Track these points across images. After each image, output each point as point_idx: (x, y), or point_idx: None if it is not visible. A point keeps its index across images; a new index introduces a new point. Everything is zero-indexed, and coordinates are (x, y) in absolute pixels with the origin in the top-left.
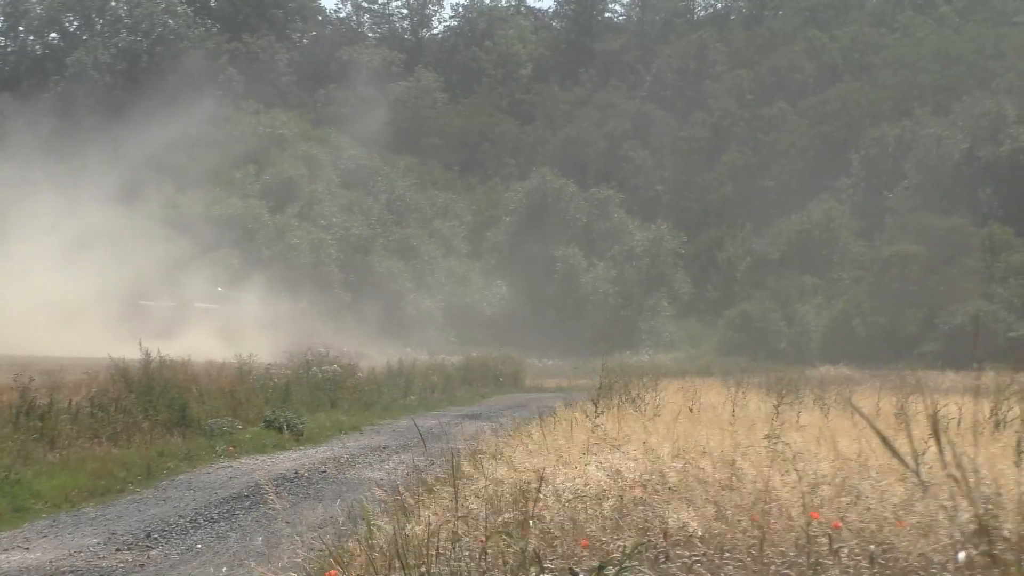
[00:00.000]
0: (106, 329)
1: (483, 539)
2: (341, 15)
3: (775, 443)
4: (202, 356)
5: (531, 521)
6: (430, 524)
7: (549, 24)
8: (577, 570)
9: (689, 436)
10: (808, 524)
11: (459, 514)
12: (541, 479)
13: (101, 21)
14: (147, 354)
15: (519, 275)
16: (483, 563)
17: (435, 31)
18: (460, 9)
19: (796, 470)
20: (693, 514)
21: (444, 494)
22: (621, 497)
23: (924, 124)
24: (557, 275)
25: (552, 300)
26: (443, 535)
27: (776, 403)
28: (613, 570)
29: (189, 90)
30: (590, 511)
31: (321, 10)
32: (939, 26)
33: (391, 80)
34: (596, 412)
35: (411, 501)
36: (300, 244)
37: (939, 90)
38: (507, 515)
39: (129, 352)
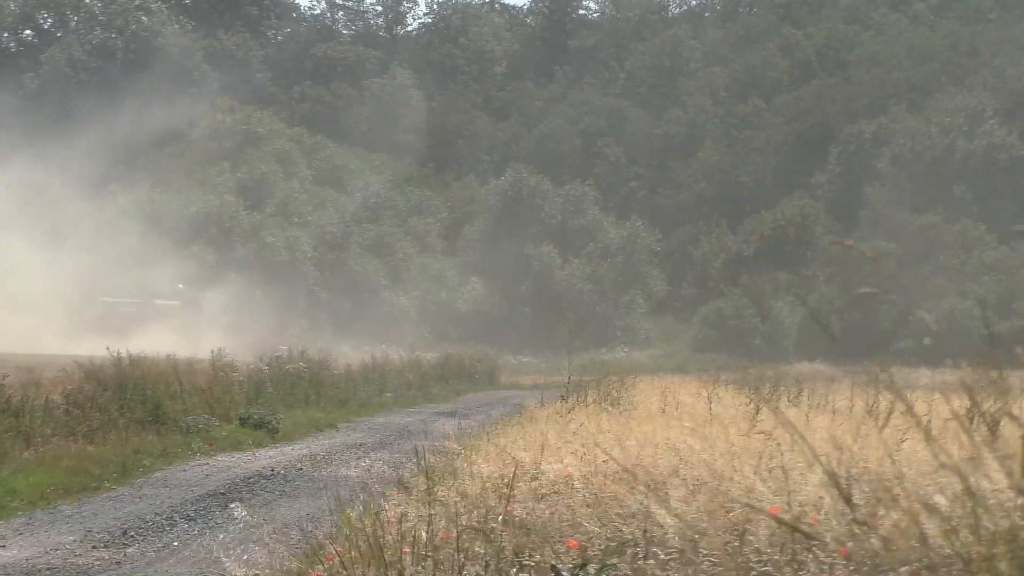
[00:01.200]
0: (68, 325)
1: (455, 535)
2: (316, 12)
3: (756, 438)
4: (163, 354)
5: (503, 518)
6: (404, 522)
7: (524, 21)
8: (559, 567)
9: (664, 433)
10: (781, 520)
11: (433, 511)
12: (514, 476)
13: (76, 18)
14: (117, 352)
15: (494, 272)
16: (459, 559)
17: (410, 28)
18: (435, 6)
19: (778, 467)
20: (670, 511)
21: (419, 491)
22: (596, 495)
23: (899, 121)
24: (532, 272)
25: (527, 297)
26: (418, 533)
27: (752, 400)
28: (594, 568)
29: (164, 87)
30: (566, 508)
31: (296, 7)
32: (913, 23)
33: (366, 77)
34: (568, 410)
35: (386, 499)
36: (276, 242)
37: (914, 87)
38: (481, 511)
39: (90, 349)
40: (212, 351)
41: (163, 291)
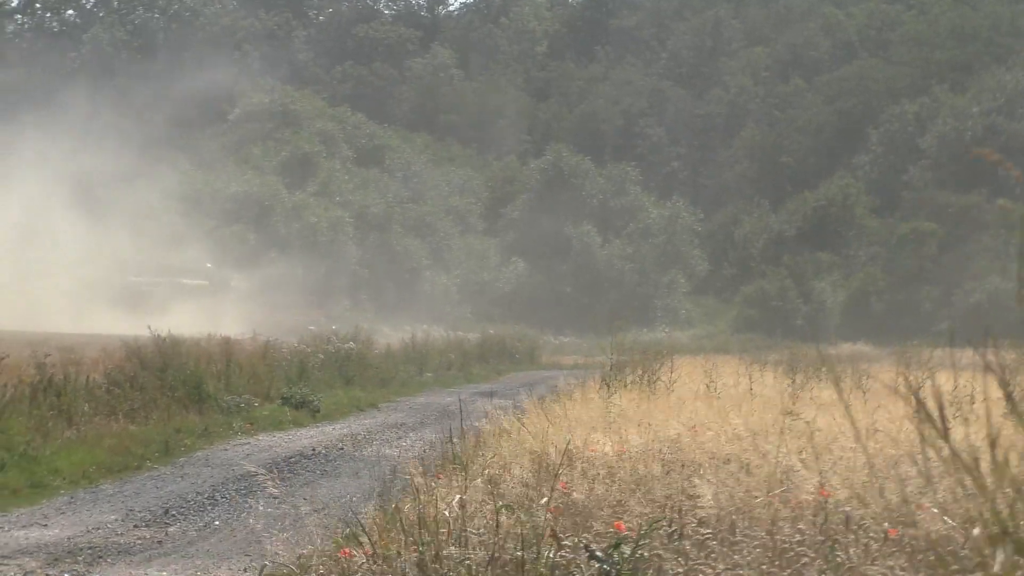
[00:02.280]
0: (93, 305)
1: (492, 514)
2: None
3: (794, 420)
4: (189, 333)
5: (545, 500)
6: (442, 501)
7: (565, 1)
8: (593, 547)
9: (705, 413)
10: (825, 502)
11: (471, 490)
12: (564, 454)
13: None
14: (158, 331)
15: (535, 252)
16: (497, 538)
17: (451, 8)
18: None
19: (812, 447)
20: (708, 491)
21: (459, 471)
22: (636, 475)
23: (941, 101)
24: (573, 252)
25: (568, 277)
26: (455, 511)
27: (793, 381)
28: (628, 547)
29: (205, 67)
30: (604, 488)
31: None
32: (956, 2)
33: (407, 57)
34: (609, 391)
35: (424, 478)
36: (318, 222)
37: (956, 67)
38: (520, 490)
39: (114, 327)
40: (243, 332)
41: (191, 270)
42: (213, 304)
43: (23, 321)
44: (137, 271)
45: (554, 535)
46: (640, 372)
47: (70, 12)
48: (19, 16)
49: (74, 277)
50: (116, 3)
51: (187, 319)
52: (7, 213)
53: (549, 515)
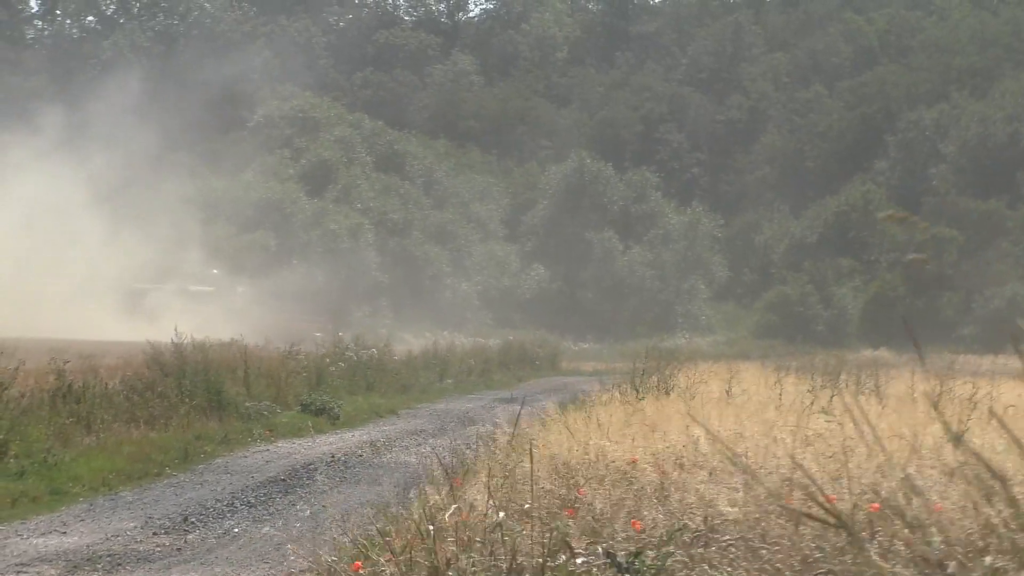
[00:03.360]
0: (99, 310)
1: (527, 523)
2: None
3: (829, 421)
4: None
5: (564, 504)
6: (459, 509)
7: (585, 7)
8: (615, 553)
9: (727, 420)
10: (854, 507)
11: (489, 497)
12: (585, 461)
13: (138, 5)
14: (179, 338)
15: (556, 258)
16: (511, 544)
17: (471, 14)
18: None
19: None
20: (730, 497)
21: (478, 478)
22: (661, 480)
23: (961, 107)
24: (594, 258)
25: (589, 283)
26: (471, 519)
27: (815, 388)
28: (652, 553)
29: (226, 73)
30: (629, 493)
31: None
32: (976, 8)
33: (427, 64)
34: (637, 396)
35: (443, 485)
36: (339, 230)
37: (976, 73)
38: (540, 496)
39: (119, 334)
40: (241, 336)
41: (198, 276)
42: (219, 310)
43: (28, 324)
44: (142, 277)
45: (567, 545)
46: (663, 378)
47: (90, 18)
48: (39, 22)
49: (80, 281)
50: (136, 9)
51: (191, 325)
52: (22, 216)
53: (569, 521)
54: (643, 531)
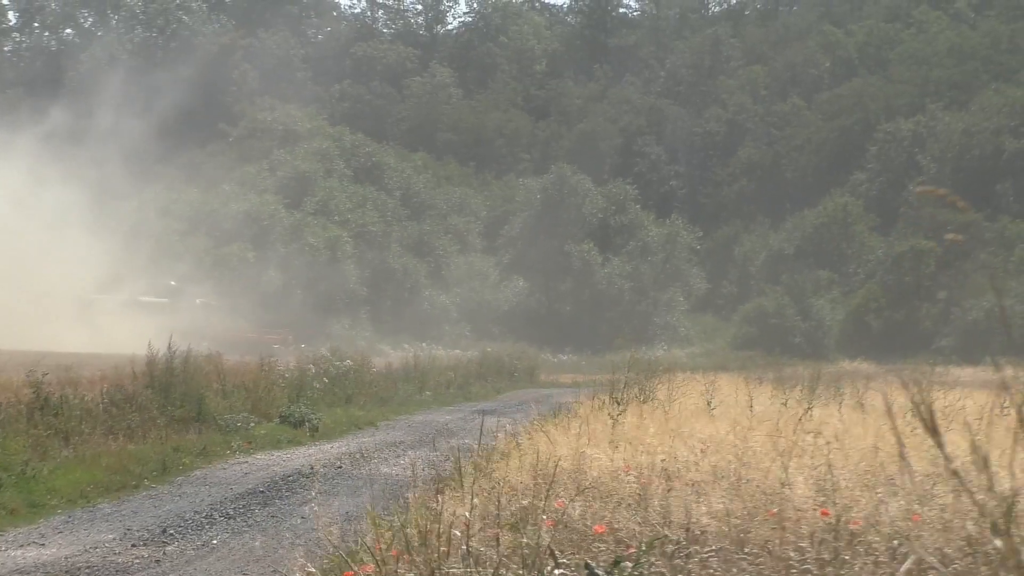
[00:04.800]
0: (59, 322)
1: (496, 533)
2: (356, 11)
3: (807, 435)
4: (141, 351)
5: (544, 515)
6: (440, 519)
7: (564, 19)
8: (593, 564)
9: (706, 431)
10: (839, 520)
11: (470, 508)
12: (555, 471)
13: (116, 17)
14: (157, 350)
15: (534, 270)
16: (496, 556)
17: (450, 27)
18: (475, 5)
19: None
20: (710, 509)
21: (460, 489)
22: (640, 492)
23: (939, 119)
24: (572, 270)
25: (567, 295)
26: (453, 531)
27: (789, 399)
28: (630, 565)
29: (204, 86)
30: (608, 504)
31: (336, 6)
32: (954, 21)
33: (406, 76)
34: (618, 408)
35: (422, 496)
36: (317, 244)
37: (954, 85)
38: (520, 507)
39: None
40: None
41: (152, 287)
42: (171, 322)
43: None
44: (95, 288)
45: (551, 553)
46: (644, 389)
47: (68, 31)
48: (17, 34)
49: (43, 294)
50: (115, 22)
51: (138, 337)
52: None
53: (548, 532)
54: (620, 541)
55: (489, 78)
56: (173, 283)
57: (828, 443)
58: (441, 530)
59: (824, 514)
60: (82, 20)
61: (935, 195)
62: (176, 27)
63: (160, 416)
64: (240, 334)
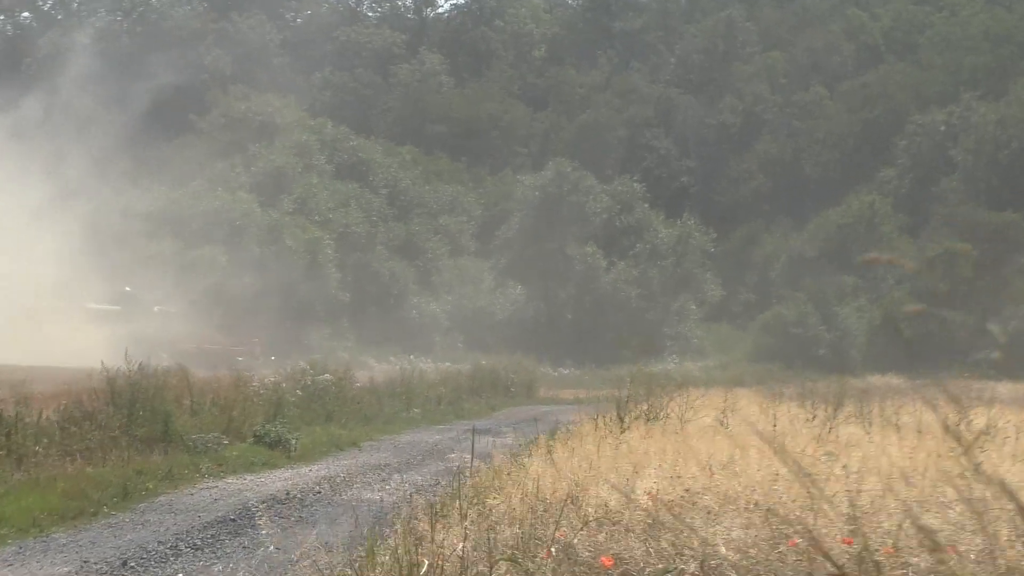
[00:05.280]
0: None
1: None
2: None
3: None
4: (89, 362)
5: (552, 545)
6: (432, 550)
7: (564, 1)
8: None
9: (723, 453)
10: (864, 548)
11: (464, 539)
12: (567, 499)
13: (77, 1)
14: (130, 362)
15: (533, 275)
16: None
17: (440, 10)
18: None
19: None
20: (725, 538)
21: (453, 517)
22: (649, 520)
23: (973, 109)
24: (574, 275)
25: (569, 303)
26: (447, 563)
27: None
28: None
29: (172, 74)
30: (615, 534)
31: None
32: (989, 3)
33: (393, 63)
34: (622, 427)
35: (411, 525)
36: (296, 246)
37: (989, 73)
38: (519, 536)
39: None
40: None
41: (103, 294)
42: (126, 331)
43: None
44: (43, 293)
45: None
46: (652, 407)
47: (26, 14)
48: None
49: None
50: (76, 5)
51: (92, 347)
52: None
53: (549, 564)
54: (627, 575)
55: (483, 65)
56: (128, 289)
57: (847, 466)
58: (434, 562)
59: (847, 542)
60: (40, 3)
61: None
62: (143, 10)
63: (122, 436)
64: (201, 345)
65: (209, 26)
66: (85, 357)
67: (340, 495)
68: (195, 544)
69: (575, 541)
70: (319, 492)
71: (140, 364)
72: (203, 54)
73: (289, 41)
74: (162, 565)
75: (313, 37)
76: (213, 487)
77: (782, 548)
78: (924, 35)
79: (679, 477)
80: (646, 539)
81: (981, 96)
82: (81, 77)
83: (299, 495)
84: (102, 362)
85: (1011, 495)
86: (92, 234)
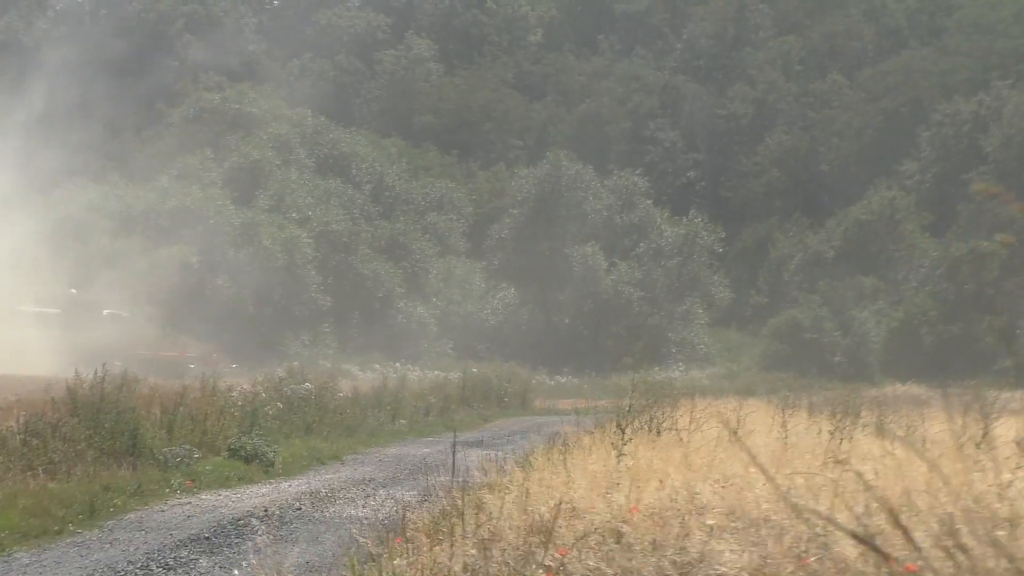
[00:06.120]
0: None
1: None
2: None
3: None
4: (29, 369)
5: (542, 567)
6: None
7: None
8: None
9: (731, 468)
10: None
11: (455, 560)
12: (555, 518)
13: None
14: (91, 374)
15: (528, 277)
16: None
17: None
18: None
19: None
20: (735, 556)
21: (440, 535)
22: (654, 539)
23: (1003, 98)
24: (573, 277)
25: (566, 307)
26: None
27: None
28: None
29: (139, 61)
30: (615, 552)
31: None
32: None
33: (377, 49)
34: (623, 440)
35: (397, 545)
36: (272, 246)
37: (1021, 58)
38: (513, 556)
39: None
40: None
41: (42, 296)
42: (72, 336)
43: None
44: None
45: None
46: (655, 418)
47: None
48: None
49: None
50: None
51: (32, 352)
52: None
53: None
54: None
55: (475, 51)
56: (74, 291)
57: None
58: None
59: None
60: None
61: (991, 194)
62: None
63: (88, 449)
64: (157, 352)
65: (178, 8)
66: (28, 364)
67: (322, 512)
68: (167, 564)
69: (574, 560)
70: (300, 509)
71: (101, 372)
72: (172, 39)
73: (265, 25)
74: None
75: (291, 21)
76: (186, 503)
77: (791, 565)
78: (951, 18)
79: (682, 492)
80: (647, 557)
81: (1012, 84)
82: (39, 64)
83: (278, 512)
84: (76, 370)
85: None
86: (52, 232)
